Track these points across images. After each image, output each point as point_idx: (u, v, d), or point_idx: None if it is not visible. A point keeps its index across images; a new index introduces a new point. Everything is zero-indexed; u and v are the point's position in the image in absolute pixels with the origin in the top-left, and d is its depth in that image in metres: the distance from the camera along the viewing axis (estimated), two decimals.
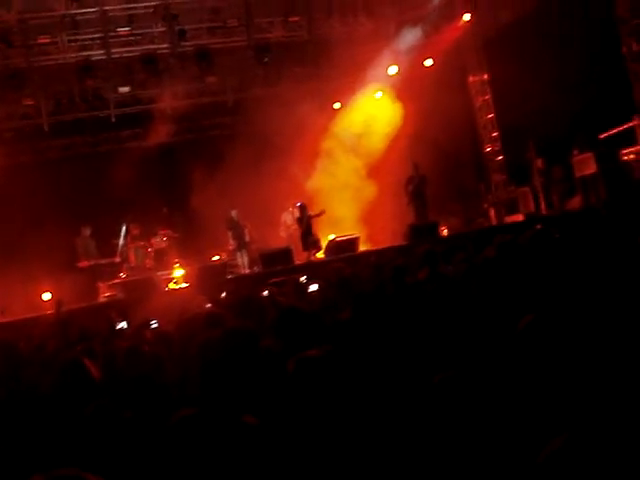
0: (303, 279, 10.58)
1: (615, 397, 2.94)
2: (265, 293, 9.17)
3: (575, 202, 17.39)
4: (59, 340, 7.69)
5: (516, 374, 3.31)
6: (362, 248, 16.83)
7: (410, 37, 19.25)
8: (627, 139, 16.69)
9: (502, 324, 4.07)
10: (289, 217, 18.61)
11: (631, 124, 16.63)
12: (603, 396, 2.97)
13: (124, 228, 17.45)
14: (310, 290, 8.82)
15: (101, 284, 16.67)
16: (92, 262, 17.01)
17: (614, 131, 16.72)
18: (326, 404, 3.30)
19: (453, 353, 4.20)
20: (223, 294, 10.66)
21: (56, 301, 9.85)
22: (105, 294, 16.40)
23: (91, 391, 4.52)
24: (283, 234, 18.62)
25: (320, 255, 17.10)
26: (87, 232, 17.17)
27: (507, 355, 3.53)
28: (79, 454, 3.46)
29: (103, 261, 17.27)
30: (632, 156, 16.72)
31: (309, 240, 17.15)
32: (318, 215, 17.61)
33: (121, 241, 17.46)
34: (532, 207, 18.58)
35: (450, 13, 19.13)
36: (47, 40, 16.88)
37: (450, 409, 3.01)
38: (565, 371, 3.15)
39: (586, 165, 16.91)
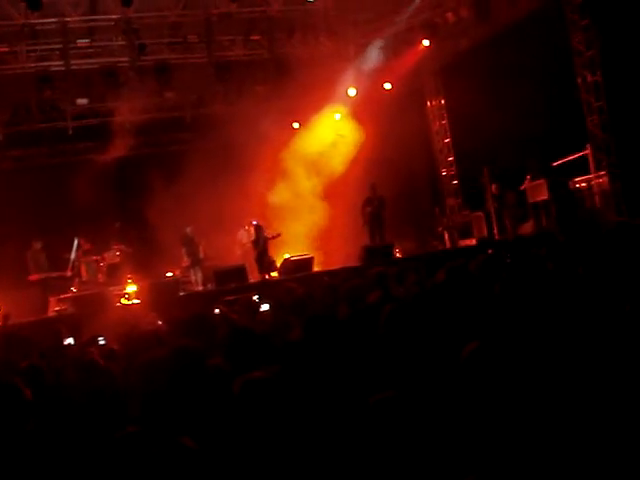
0: (255, 298, 10.57)
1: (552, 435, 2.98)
2: (217, 311, 9.13)
3: (527, 227, 17.66)
4: (1, 354, 7.54)
5: (456, 400, 3.35)
6: (316, 268, 16.84)
7: (372, 57, 19.42)
8: (579, 167, 17.04)
9: (448, 349, 4.11)
10: (245, 235, 18.57)
11: (583, 153, 16.99)
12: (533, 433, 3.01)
13: (76, 242, 17.22)
14: (262, 310, 8.80)
15: (52, 298, 16.40)
16: (43, 275, 16.74)
17: (567, 159, 17.04)
18: (270, 425, 3.30)
19: (399, 375, 4.23)
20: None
21: (2, 314, 9.70)
22: (55, 308, 16.13)
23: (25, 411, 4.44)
24: (238, 252, 18.55)
25: (274, 274, 17.08)
26: (38, 245, 16.91)
27: (450, 380, 3.56)
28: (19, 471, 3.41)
29: (54, 275, 17.01)
30: (584, 184, 17.07)
31: (264, 262, 17.15)
32: (274, 237, 17.66)
33: (73, 255, 17.21)
34: (485, 231, 18.81)
35: (410, 38, 19.35)
36: (5, 49, 16.70)
37: (385, 430, 3.02)
38: (502, 403, 3.19)
39: (539, 191, 17.20)
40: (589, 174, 16.96)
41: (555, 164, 17.13)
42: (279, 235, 17.71)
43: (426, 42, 19.15)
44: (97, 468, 3.50)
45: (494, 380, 3.27)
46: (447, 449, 3.05)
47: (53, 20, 16.43)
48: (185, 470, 2.87)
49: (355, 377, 4.39)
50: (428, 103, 22.49)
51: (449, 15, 18.28)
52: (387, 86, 20.25)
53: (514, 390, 3.24)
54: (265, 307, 8.95)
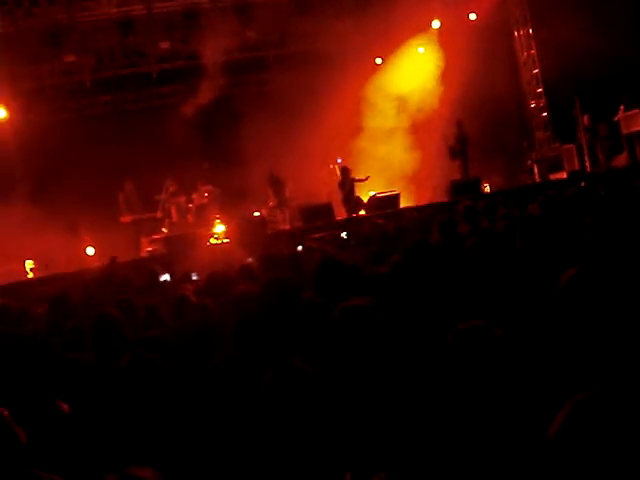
0: (344, 235, 10.57)
1: None
2: (300, 248, 9.19)
3: (621, 160, 17.07)
4: (106, 292, 7.81)
5: (556, 329, 3.27)
6: (403, 204, 16.73)
7: None
8: None
9: (546, 278, 4.01)
10: (331, 174, 18.50)
11: None
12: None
13: (166, 184, 17.57)
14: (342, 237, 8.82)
15: (143, 239, 16.86)
16: (135, 217, 17.19)
17: None
18: (369, 352, 3.29)
19: (493, 307, 4.17)
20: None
21: (110, 258, 10.01)
22: (147, 249, 16.58)
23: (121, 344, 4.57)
24: (325, 190, 18.50)
25: (362, 212, 17.03)
26: (130, 187, 17.35)
27: (549, 308, 3.48)
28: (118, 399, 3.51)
29: (145, 216, 17.44)
30: None
31: (351, 202, 17.07)
32: (361, 180, 17.54)
33: (163, 196, 17.58)
34: (577, 165, 18.26)
35: None
36: None
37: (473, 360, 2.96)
38: (606, 328, 3.10)
39: (633, 122, 16.56)
40: None
41: None
42: (367, 179, 17.59)
43: None
44: (192, 397, 3.58)
45: (595, 305, 3.17)
46: (542, 381, 2.99)
47: None
48: (303, 393, 2.86)
49: (446, 309, 4.34)
50: (515, 33, 21.74)
51: None
52: (472, 16, 19.65)
53: (614, 315, 3.14)
54: (344, 235, 8.97)
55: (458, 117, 17.87)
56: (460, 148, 17.68)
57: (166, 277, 8.72)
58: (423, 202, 16.56)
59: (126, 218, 17.15)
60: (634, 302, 3.34)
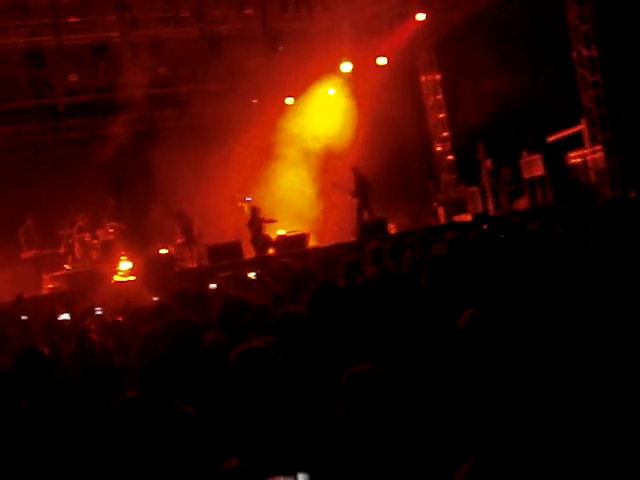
0: (252, 275, 10.54)
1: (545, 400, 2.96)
2: (213, 286, 9.12)
3: (522, 202, 17.65)
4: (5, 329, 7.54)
5: (451, 370, 3.32)
6: (311, 244, 16.81)
7: None
8: (574, 142, 17.00)
9: (448, 319, 4.08)
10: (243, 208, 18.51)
11: (578, 128, 16.94)
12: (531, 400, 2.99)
13: (70, 219, 17.15)
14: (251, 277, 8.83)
15: (45, 275, 16.36)
16: (36, 252, 16.70)
17: (562, 134, 16.99)
18: (266, 395, 3.28)
19: (397, 349, 4.21)
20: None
21: (17, 296, 9.70)
22: (49, 285, 16.10)
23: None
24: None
25: (270, 251, 17.04)
26: (31, 222, 16.85)
27: (444, 350, 3.54)
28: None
29: (47, 252, 16.96)
30: (579, 159, 17.03)
31: (260, 242, 17.08)
32: (270, 221, 17.64)
33: (66, 232, 17.15)
34: (480, 207, 18.78)
35: (403, 12, 19.20)
36: None
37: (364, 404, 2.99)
38: (501, 368, 3.17)
39: (534, 167, 17.18)
40: (584, 149, 16.93)
41: (550, 139, 17.08)
42: (275, 221, 17.70)
43: (421, 16, 18.98)
44: (96, 435, 3.50)
45: (491, 346, 3.24)
46: (442, 423, 3.03)
47: None
48: (184, 434, 2.86)
49: (352, 349, 4.36)
50: (423, 78, 22.36)
51: None
52: (381, 61, 20.10)
53: (510, 356, 3.22)
54: (252, 275, 8.97)
55: (354, 166, 18.15)
56: (359, 192, 17.94)
57: (65, 316, 8.47)
58: (331, 242, 16.69)
59: (27, 254, 16.64)
60: (527, 343, 3.43)
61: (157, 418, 2.98)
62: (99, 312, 7.93)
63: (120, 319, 6.76)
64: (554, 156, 16.84)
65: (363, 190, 17.95)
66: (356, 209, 17.98)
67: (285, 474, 2.62)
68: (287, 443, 3.01)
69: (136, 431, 3.35)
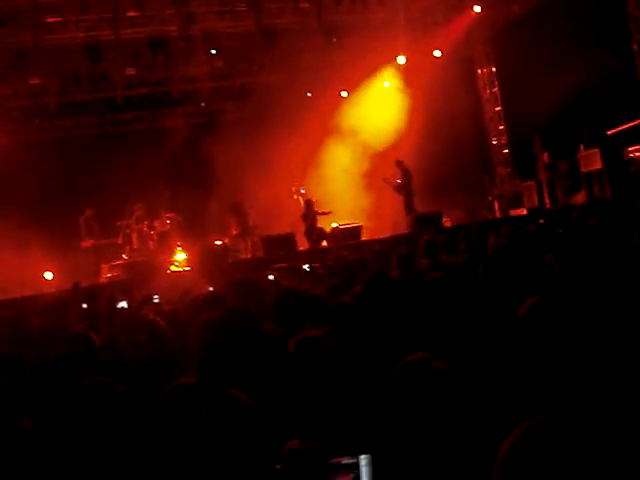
0: (306, 267, 10.58)
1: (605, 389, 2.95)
2: (270, 277, 9.19)
3: (579, 197, 17.36)
4: (65, 317, 7.73)
5: (514, 359, 3.32)
6: (365, 237, 16.82)
7: None
8: (634, 136, 16.64)
9: (505, 311, 4.07)
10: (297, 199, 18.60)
11: (638, 121, 16.57)
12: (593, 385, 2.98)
13: (128, 209, 17.48)
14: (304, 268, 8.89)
15: (103, 265, 16.71)
16: (95, 242, 17.05)
17: (621, 128, 16.65)
18: (324, 384, 3.31)
19: (453, 340, 4.21)
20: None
21: (74, 284, 9.93)
22: (107, 274, 16.43)
23: (93, 365, 4.56)
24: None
25: (324, 244, 17.10)
26: (91, 212, 17.23)
27: (508, 338, 3.53)
28: (77, 424, 3.49)
29: (106, 242, 17.31)
30: (638, 154, 16.67)
31: (313, 234, 17.14)
32: (324, 214, 17.68)
33: (124, 222, 17.48)
34: (536, 201, 18.53)
35: (460, 4, 19.04)
36: (56, 19, 16.81)
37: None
38: (563, 358, 3.16)
39: (592, 161, 16.88)
40: None
41: (610, 132, 16.75)
42: (329, 213, 17.74)
43: (477, 8, 18.80)
44: (152, 420, 3.58)
45: (553, 334, 3.22)
46: (498, 411, 3.02)
47: None
48: (236, 422, 2.90)
49: (404, 340, 4.38)
50: (479, 71, 22.15)
51: None
52: (437, 53, 19.99)
53: (572, 344, 3.20)
54: (306, 267, 9.04)
55: (398, 159, 18.07)
56: (404, 185, 17.88)
57: (123, 304, 8.64)
58: (385, 235, 16.67)
59: (86, 243, 17.01)
60: (590, 334, 3.41)
61: (209, 404, 3.03)
62: (156, 300, 8.08)
63: (177, 308, 6.88)
64: (613, 150, 16.51)
65: (407, 184, 17.89)
66: (404, 203, 17.91)
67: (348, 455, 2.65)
68: (347, 427, 3.05)
69: (190, 417, 3.42)
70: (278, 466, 2.81)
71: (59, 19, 16.81)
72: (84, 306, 8.80)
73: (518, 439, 1.81)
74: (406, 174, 17.93)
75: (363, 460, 2.53)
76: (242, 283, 7.13)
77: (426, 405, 2.88)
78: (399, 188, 17.91)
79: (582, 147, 17.18)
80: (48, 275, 16.39)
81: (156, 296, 8.15)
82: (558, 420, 1.81)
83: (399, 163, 18.05)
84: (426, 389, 2.93)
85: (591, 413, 2.77)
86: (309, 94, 19.55)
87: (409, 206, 17.79)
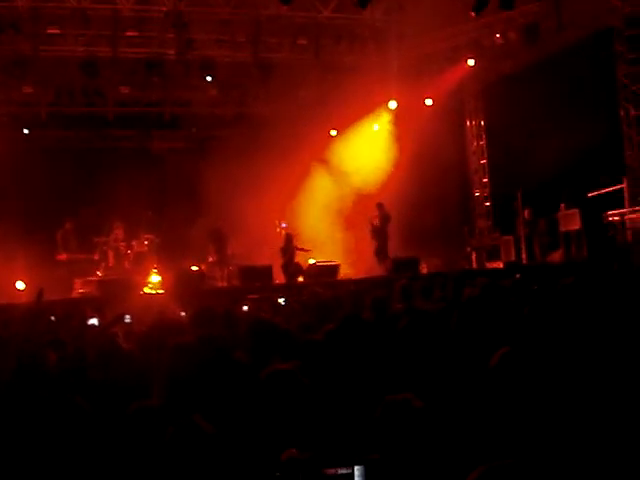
0: (281, 301, 10.57)
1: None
2: (244, 308, 9.18)
3: (556, 256, 17.56)
4: (29, 330, 7.63)
5: (483, 402, 3.35)
6: (341, 276, 16.86)
7: None
8: (614, 200, 16.91)
9: (478, 359, 4.12)
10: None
11: (619, 186, 16.86)
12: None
13: (107, 227, 17.42)
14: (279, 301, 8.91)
15: (77, 280, 16.59)
16: (70, 256, 16.95)
17: (602, 191, 16.93)
18: (291, 415, 3.34)
19: (422, 384, 4.24)
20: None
21: (37, 290, 9.83)
22: (80, 290, 16.31)
23: (47, 381, 4.53)
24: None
25: (300, 279, 17.12)
26: (70, 225, 17.15)
27: (478, 384, 3.58)
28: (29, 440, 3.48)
29: (82, 256, 17.21)
30: (617, 218, 16.93)
31: (291, 269, 17.16)
32: (305, 250, 17.75)
33: (102, 239, 17.41)
34: (513, 256, 18.72)
35: (454, 56, 19.37)
36: (56, 31, 16.88)
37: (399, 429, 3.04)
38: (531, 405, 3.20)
39: (571, 221, 17.10)
40: (624, 208, 16.83)
41: (590, 195, 17.02)
42: (308, 250, 17.83)
43: (471, 62, 19.15)
44: (113, 439, 3.57)
45: (523, 384, 3.27)
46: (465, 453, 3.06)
47: (105, 7, 16.61)
48: (198, 449, 2.92)
49: (374, 379, 4.41)
50: (467, 122, 22.46)
51: (497, 37, 18.24)
52: (428, 102, 20.26)
53: (541, 393, 3.25)
54: (281, 300, 9.06)
55: (379, 202, 18.21)
56: (380, 228, 17.96)
57: (94, 321, 8.58)
58: (361, 275, 16.74)
59: (62, 256, 16.91)
60: (559, 384, 3.45)
61: (174, 429, 3.04)
62: (128, 320, 8.03)
63: (148, 330, 6.84)
64: (592, 212, 16.76)
65: (383, 227, 17.98)
66: (375, 247, 17.94)
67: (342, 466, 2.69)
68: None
69: (152, 439, 3.42)
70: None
71: (59, 31, 16.90)
72: (52, 318, 8.73)
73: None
74: (384, 218, 18.01)
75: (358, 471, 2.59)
76: (214, 311, 7.14)
77: (407, 441, 2.92)
78: (374, 231, 17.97)
79: (563, 206, 17.41)
80: (20, 285, 16.23)
81: (128, 316, 8.09)
82: (514, 465, 1.86)
83: (379, 206, 18.14)
84: (408, 426, 2.97)
85: (555, 458, 2.80)
86: (299, 129, 19.73)
87: (381, 250, 17.84)
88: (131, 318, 8.07)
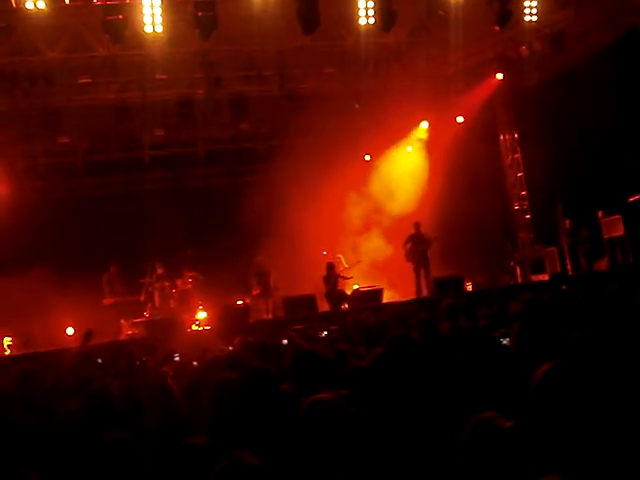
0: (324, 334, 10.52)
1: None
2: (284, 342, 9.18)
3: (602, 264, 17.31)
4: (81, 372, 7.73)
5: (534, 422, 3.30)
6: (386, 300, 16.80)
7: None
8: None
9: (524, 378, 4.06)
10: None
11: None
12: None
13: (150, 268, 17.62)
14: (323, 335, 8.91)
15: (124, 322, 16.77)
16: (117, 299, 17.16)
17: None
18: (332, 448, 3.32)
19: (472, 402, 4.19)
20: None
21: (84, 332, 9.96)
22: (128, 332, 16.48)
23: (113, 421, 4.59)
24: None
25: (345, 306, 17.08)
26: (115, 269, 17.39)
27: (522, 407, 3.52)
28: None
29: (128, 299, 17.42)
30: None
31: (334, 296, 17.14)
32: (346, 278, 17.85)
33: (147, 280, 17.60)
34: (558, 267, 18.48)
35: (482, 71, 19.35)
36: (87, 80, 17.23)
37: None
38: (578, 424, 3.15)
39: (614, 227, 16.88)
40: None
41: (631, 199, 16.78)
42: (350, 278, 17.90)
43: (499, 75, 19.11)
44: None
45: (570, 400, 3.21)
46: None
47: (133, 53, 16.92)
48: None
49: (427, 407, 4.36)
50: (501, 136, 22.34)
51: (523, 49, 18.19)
52: (459, 119, 20.23)
53: (588, 410, 3.19)
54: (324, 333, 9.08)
55: (416, 220, 18.15)
56: (420, 249, 17.83)
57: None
58: (406, 298, 16.65)
59: (109, 300, 17.14)
60: (608, 400, 3.39)
61: (221, 466, 3.04)
62: (177, 358, 8.12)
63: (196, 367, 6.89)
64: (635, 216, 16.52)
65: (422, 249, 17.86)
66: (413, 269, 17.88)
67: None
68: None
69: (198, 477, 3.44)
70: None
71: (90, 80, 17.24)
72: (99, 361, 8.84)
73: None
74: (423, 238, 17.95)
75: None
76: (260, 344, 7.15)
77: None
78: (409, 253, 17.88)
79: (601, 214, 17.20)
80: (70, 331, 16.47)
81: (177, 354, 8.18)
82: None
83: (416, 225, 18.07)
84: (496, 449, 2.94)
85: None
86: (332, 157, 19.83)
87: (426, 274, 17.76)
88: (180, 356, 8.15)
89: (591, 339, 5.15)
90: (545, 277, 18.39)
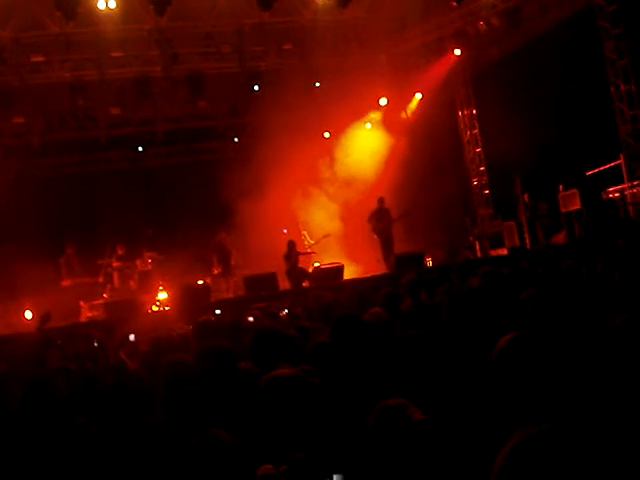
0: (284, 312, 10.53)
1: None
2: (250, 319, 9.16)
3: (560, 237, 17.52)
4: (38, 357, 7.63)
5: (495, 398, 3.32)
6: (347, 277, 16.82)
7: None
8: (613, 177, 16.87)
9: (478, 350, 4.09)
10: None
11: (616, 162, 16.82)
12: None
13: (109, 248, 17.41)
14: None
15: (83, 303, 16.58)
16: (75, 281, 16.95)
17: (600, 169, 16.89)
18: (293, 422, 3.31)
19: (428, 380, 4.21)
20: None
21: (41, 315, 9.82)
22: (87, 314, 16.31)
23: (58, 407, 4.53)
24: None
25: (305, 284, 17.08)
26: (72, 251, 17.14)
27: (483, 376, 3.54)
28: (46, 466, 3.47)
29: (86, 280, 17.21)
30: (617, 194, 16.89)
31: (295, 274, 17.13)
32: (306, 254, 17.87)
33: (105, 261, 17.40)
34: (517, 241, 18.68)
35: (441, 47, 19.36)
36: (40, 59, 16.91)
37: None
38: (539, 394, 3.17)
39: (571, 201, 17.08)
40: (622, 184, 16.80)
41: (588, 173, 16.99)
42: (312, 253, 17.89)
43: (457, 51, 19.15)
44: (118, 458, 3.57)
45: (531, 371, 3.22)
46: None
47: (87, 30, 16.64)
48: (220, 462, 2.90)
49: (377, 380, 4.39)
50: (459, 113, 22.43)
51: (481, 24, 18.24)
52: (418, 96, 20.25)
53: (549, 379, 3.21)
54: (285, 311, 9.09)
55: (380, 196, 18.19)
56: (384, 225, 17.94)
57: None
58: (366, 274, 16.70)
59: (67, 282, 16.90)
60: (564, 371, 3.42)
61: (194, 444, 3.02)
62: (132, 339, 8.05)
63: (148, 348, 6.83)
64: (592, 191, 16.74)
65: (385, 225, 17.96)
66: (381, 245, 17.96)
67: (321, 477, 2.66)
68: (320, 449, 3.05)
69: (155, 456, 3.42)
70: None
71: (44, 59, 16.92)
72: (58, 343, 8.74)
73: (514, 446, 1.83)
74: (387, 213, 18.04)
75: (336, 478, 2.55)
76: (216, 325, 7.12)
77: (401, 452, 2.89)
78: (376, 229, 17.97)
79: (561, 187, 17.38)
80: (28, 314, 16.24)
81: (132, 335, 8.10)
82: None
83: (380, 200, 18.13)
84: (403, 436, 2.93)
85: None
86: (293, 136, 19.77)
87: (386, 247, 17.86)
88: (135, 337, 8.08)
89: (546, 310, 5.23)
90: (504, 251, 18.57)
